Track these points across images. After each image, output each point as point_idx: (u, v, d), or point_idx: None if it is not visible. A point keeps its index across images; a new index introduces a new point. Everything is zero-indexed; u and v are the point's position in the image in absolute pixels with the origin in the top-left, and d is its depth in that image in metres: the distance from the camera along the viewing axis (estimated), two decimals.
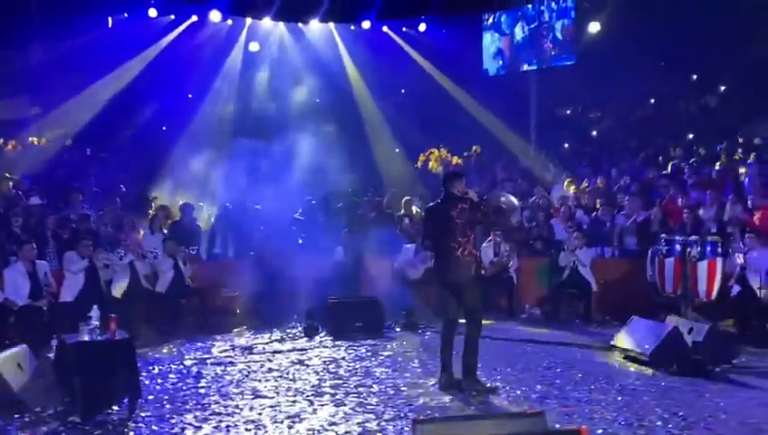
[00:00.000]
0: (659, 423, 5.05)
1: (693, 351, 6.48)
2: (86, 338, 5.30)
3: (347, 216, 10.85)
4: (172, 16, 14.52)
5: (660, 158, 14.17)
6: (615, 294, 9.22)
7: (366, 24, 15.22)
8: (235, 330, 8.57)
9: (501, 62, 16.60)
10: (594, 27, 14.76)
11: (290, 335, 8.27)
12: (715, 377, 6.24)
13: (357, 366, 6.80)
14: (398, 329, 8.61)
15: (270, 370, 6.67)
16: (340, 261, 9.49)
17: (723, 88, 17.08)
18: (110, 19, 14.20)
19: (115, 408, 5.31)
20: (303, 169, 12.20)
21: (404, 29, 16.05)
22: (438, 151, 15.52)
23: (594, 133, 17.80)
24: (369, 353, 7.37)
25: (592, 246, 9.71)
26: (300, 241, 9.97)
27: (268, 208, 11.15)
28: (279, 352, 7.46)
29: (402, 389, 5.95)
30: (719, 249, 7.47)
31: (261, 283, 9.14)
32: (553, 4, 15.43)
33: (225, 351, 7.52)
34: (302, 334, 8.23)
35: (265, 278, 9.18)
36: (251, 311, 9.14)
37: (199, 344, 7.81)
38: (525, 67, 16.20)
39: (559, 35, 15.40)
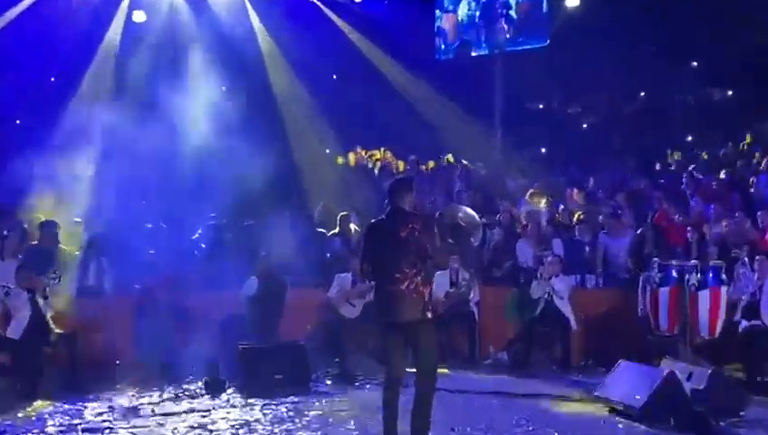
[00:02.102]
0: None
1: (693, 401, 6.77)
2: None
3: (262, 237, 10.85)
4: None
5: (658, 165, 14.74)
6: (599, 332, 9.52)
7: None
8: (116, 386, 8.44)
9: (443, 45, 16.99)
10: (572, 2, 15.26)
11: (187, 392, 8.19)
12: (719, 433, 6.52)
13: (276, 430, 6.80)
14: (328, 382, 8.65)
15: None
16: (253, 295, 9.46)
17: (728, 78, 17.81)
18: None
19: None
20: (206, 176, 12.13)
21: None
22: (382, 153, 15.71)
23: (572, 133, 18.35)
24: (291, 414, 7.37)
25: (571, 274, 9.99)
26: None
27: (160, 227, 11.05)
28: (173, 414, 7.37)
29: None
30: (723, 275, 7.84)
31: (149, 324, 9.03)
32: None
33: (102, 413, 7.40)
34: (204, 391, 8.18)
35: (155, 318, 9.08)
36: (136, 361, 9.02)
37: (67, 406, 7.63)
38: (473, 52, 16.62)
39: (513, 14, 15.83)
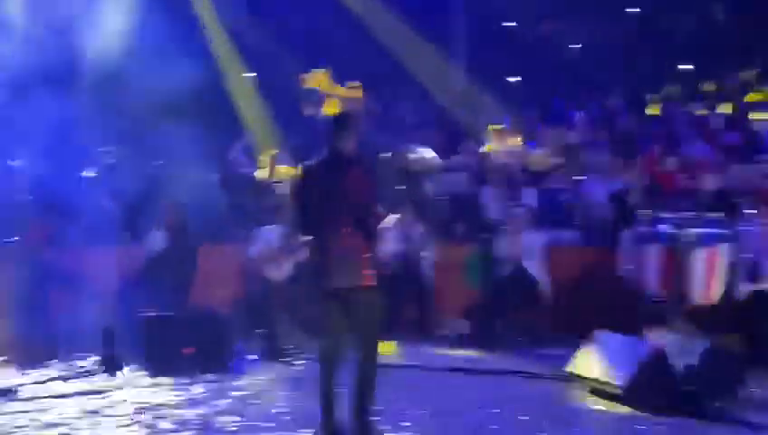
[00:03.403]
0: None
1: (685, 379, 6.96)
2: None
3: (171, 179, 10.80)
4: None
5: (649, 96, 14.93)
6: (576, 298, 9.74)
7: None
8: None
9: None
10: None
11: (79, 371, 8.23)
12: (715, 415, 6.73)
13: (188, 415, 6.88)
14: (252, 357, 8.72)
15: (48, 425, 6.63)
16: (159, 251, 9.46)
17: None
18: None
19: None
20: (96, 92, 11.95)
21: None
22: (322, 76, 15.54)
23: (549, 60, 18.39)
24: (207, 395, 7.47)
25: (543, 228, 10.16)
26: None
27: (37, 166, 10.91)
28: (62, 396, 7.41)
29: None
30: (723, 231, 8.04)
31: (28, 288, 8.98)
32: None
33: None
34: (99, 369, 8.22)
35: (36, 280, 9.03)
36: (14, 334, 8.96)
37: None
38: None
39: None
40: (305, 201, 6.17)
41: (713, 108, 13.45)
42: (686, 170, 10.67)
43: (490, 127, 12.77)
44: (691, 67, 17.07)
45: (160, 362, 8.23)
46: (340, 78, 15.86)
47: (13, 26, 11.65)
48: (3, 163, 10.76)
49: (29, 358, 8.56)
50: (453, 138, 13.19)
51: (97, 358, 8.42)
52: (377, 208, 6.11)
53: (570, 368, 7.70)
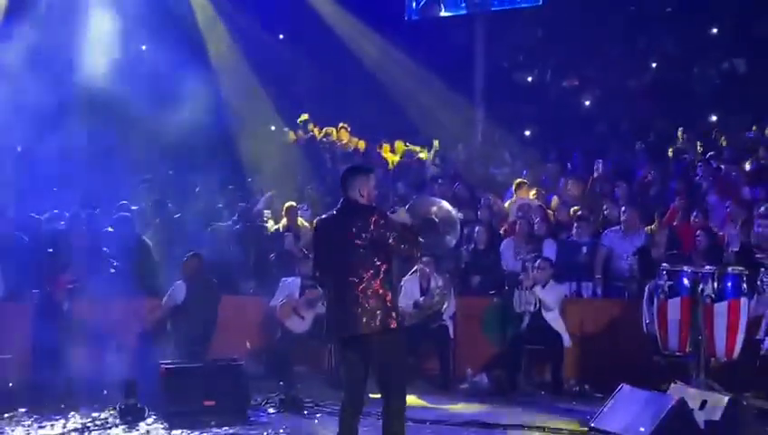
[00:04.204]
0: None
1: (707, 434, 6.95)
2: None
3: (190, 231, 10.88)
4: None
5: (671, 150, 14.96)
6: (596, 351, 9.69)
7: None
8: (7, 415, 8.40)
9: (415, 2, 17.08)
10: None
11: (98, 422, 8.21)
12: None
13: None
14: (271, 410, 8.72)
15: None
16: (180, 304, 9.51)
17: (756, 46, 18.05)
18: None
19: None
20: (117, 158, 12.10)
21: None
22: (337, 131, 15.78)
23: (568, 112, 18.53)
24: None
25: (565, 281, 10.17)
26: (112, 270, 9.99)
27: (60, 219, 11.03)
28: None
29: None
30: (744, 285, 8.03)
31: (51, 338, 9.04)
32: None
33: None
34: (119, 420, 8.21)
35: (57, 331, 9.09)
36: (33, 384, 9.01)
37: None
38: (445, 12, 16.67)
39: None
40: (323, 251, 6.22)
41: (734, 161, 13.45)
42: (707, 225, 10.64)
43: (517, 181, 12.77)
44: (713, 120, 17.13)
45: (179, 414, 8.20)
46: (361, 132, 16.13)
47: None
48: (26, 214, 10.84)
49: (48, 409, 8.55)
50: (472, 190, 13.26)
51: (116, 409, 8.41)
52: (409, 241, 6.07)
53: (592, 423, 7.67)
